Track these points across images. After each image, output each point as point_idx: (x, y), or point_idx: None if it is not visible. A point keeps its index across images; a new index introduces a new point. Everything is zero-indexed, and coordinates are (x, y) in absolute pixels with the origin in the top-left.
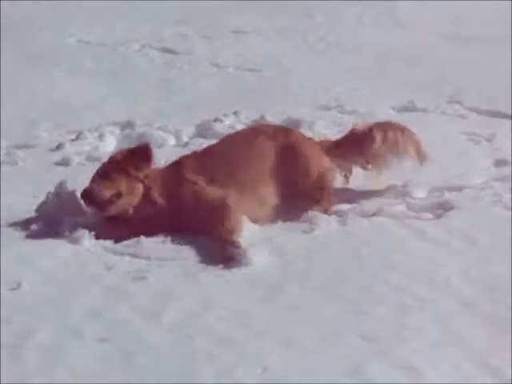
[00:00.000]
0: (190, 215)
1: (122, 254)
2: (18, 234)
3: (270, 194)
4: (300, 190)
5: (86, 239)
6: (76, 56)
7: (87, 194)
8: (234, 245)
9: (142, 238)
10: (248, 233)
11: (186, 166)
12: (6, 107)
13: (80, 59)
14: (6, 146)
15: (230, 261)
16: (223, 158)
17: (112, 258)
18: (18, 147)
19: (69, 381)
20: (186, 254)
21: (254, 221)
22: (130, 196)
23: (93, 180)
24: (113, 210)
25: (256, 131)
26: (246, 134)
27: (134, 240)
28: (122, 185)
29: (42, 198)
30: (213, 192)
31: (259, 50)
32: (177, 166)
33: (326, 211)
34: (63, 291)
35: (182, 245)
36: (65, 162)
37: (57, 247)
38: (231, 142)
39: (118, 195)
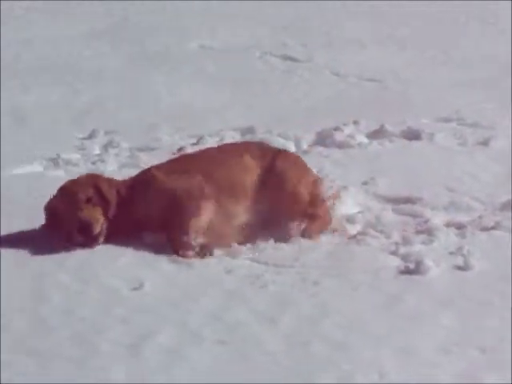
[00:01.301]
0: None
1: (242, 259)
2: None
3: (242, 211)
4: (289, 212)
5: None
6: (198, 61)
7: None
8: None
9: (262, 242)
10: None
11: (156, 167)
12: (128, 109)
13: (202, 64)
14: (129, 147)
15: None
16: (203, 160)
17: (231, 262)
18: (140, 150)
19: (188, 381)
20: (304, 259)
21: (219, 236)
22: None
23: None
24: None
25: (244, 147)
26: (235, 147)
27: (253, 244)
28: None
29: None
30: (183, 180)
31: (379, 59)
32: (147, 169)
33: (326, 226)
34: (184, 294)
35: (300, 250)
36: None
37: None
38: (216, 149)
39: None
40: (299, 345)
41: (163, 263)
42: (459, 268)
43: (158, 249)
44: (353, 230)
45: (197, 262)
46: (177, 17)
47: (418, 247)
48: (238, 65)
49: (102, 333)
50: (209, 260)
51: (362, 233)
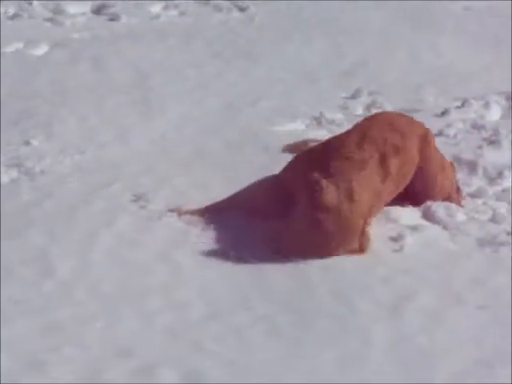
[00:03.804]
0: None
1: None
2: None
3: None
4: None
5: None
6: (461, 21)
7: None
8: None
9: None
10: None
11: None
12: (391, 69)
13: (465, 25)
14: (392, 109)
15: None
16: None
17: None
18: (404, 111)
19: (448, 344)
20: None
21: None
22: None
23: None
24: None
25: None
26: None
27: None
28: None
29: None
30: None
31: None
32: None
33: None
34: (445, 257)
35: None
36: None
37: None
38: None
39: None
40: None
41: (424, 228)
42: None
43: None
44: None
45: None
46: None
47: None
48: (502, 26)
49: (363, 292)
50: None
51: None
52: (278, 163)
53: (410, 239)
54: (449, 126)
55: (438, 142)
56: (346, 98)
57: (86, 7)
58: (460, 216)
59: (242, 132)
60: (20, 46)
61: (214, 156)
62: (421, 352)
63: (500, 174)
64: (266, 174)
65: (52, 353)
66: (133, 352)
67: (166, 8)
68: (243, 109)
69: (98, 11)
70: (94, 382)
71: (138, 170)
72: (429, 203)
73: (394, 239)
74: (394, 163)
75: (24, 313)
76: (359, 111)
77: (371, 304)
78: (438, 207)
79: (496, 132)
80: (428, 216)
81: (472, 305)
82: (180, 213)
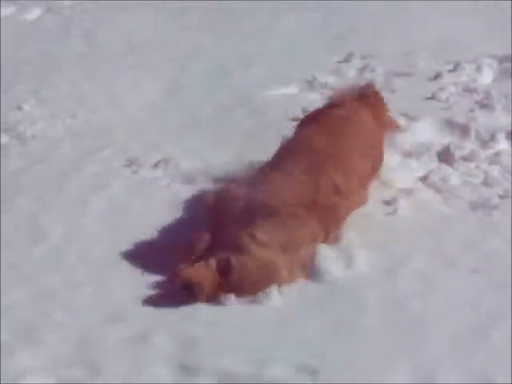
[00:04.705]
0: None
1: None
2: None
3: None
4: None
5: None
6: None
7: None
8: None
9: None
10: None
11: None
12: (384, 34)
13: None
14: (384, 72)
15: None
16: None
17: None
18: (396, 74)
19: (442, 307)
20: None
21: None
22: None
23: None
24: None
25: None
26: None
27: None
28: None
29: None
30: None
31: None
32: None
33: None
34: (440, 220)
35: None
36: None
37: None
38: None
39: None
40: None
41: (417, 191)
42: None
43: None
44: None
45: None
46: None
47: None
48: None
49: (357, 256)
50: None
51: None
52: (269, 127)
53: (403, 202)
54: (441, 89)
55: (431, 106)
56: (339, 62)
57: None
58: (453, 179)
59: (233, 96)
60: (13, 10)
61: (205, 121)
62: (415, 316)
63: (492, 137)
64: (257, 139)
65: (44, 319)
66: (125, 318)
67: None
68: (235, 74)
69: None
70: (86, 348)
71: (130, 135)
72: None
73: (388, 203)
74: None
75: (15, 279)
76: (352, 74)
77: (367, 267)
78: (432, 171)
79: (488, 95)
80: (421, 179)
81: (465, 268)
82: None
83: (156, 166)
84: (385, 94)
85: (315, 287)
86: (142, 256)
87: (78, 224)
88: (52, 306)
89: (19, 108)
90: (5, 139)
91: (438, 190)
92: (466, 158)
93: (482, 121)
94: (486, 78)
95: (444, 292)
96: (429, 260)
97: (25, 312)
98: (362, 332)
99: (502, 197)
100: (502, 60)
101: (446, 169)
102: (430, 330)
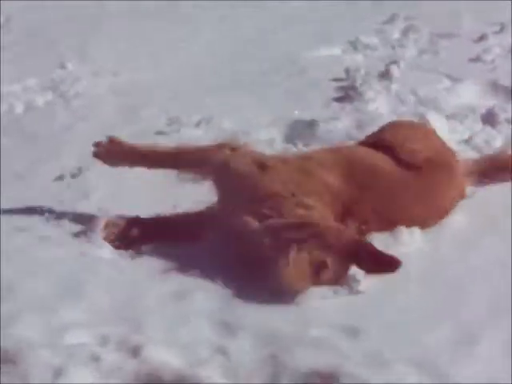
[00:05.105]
0: None
1: None
2: None
3: None
4: None
5: None
6: None
7: None
8: None
9: None
10: None
11: None
12: None
13: None
14: (429, 33)
15: None
16: None
17: None
18: (440, 36)
19: (481, 267)
20: None
21: None
22: None
23: None
24: None
25: None
26: None
27: None
28: None
29: None
30: None
31: None
32: None
33: None
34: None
35: None
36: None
37: None
38: None
39: None
40: None
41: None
42: None
43: None
44: None
45: None
46: None
47: None
48: None
49: None
50: None
51: None
52: (312, 88)
53: None
54: (486, 51)
55: (475, 68)
56: (382, 23)
57: None
58: (497, 142)
59: (276, 57)
60: None
61: (247, 80)
62: (455, 280)
63: None
64: (300, 99)
65: (89, 274)
66: (167, 276)
67: None
68: (278, 34)
69: None
70: (129, 305)
71: (172, 94)
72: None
73: None
74: None
75: (63, 233)
76: (395, 35)
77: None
78: (476, 134)
79: None
80: (465, 141)
81: (505, 230)
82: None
83: (198, 125)
84: (429, 56)
85: None
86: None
87: (122, 183)
88: (97, 262)
89: (62, 66)
90: (49, 97)
91: (481, 152)
92: (510, 120)
93: None
94: None
95: (483, 254)
96: (470, 222)
97: (70, 267)
98: (405, 296)
99: None
100: None
101: (490, 131)
102: (470, 292)
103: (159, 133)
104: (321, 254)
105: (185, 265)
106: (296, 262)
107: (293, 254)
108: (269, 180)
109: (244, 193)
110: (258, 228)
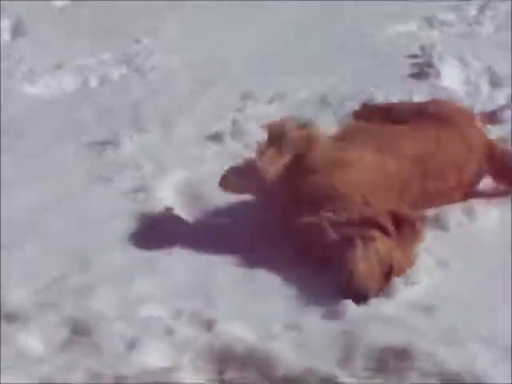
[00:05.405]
0: None
1: None
2: None
3: None
4: None
5: None
6: None
7: None
8: None
9: None
10: None
11: None
12: None
13: None
14: (506, 10)
15: None
16: None
17: None
18: None
19: None
20: None
21: None
22: None
23: None
24: None
25: None
26: None
27: None
28: None
29: None
30: None
31: None
32: None
33: None
34: None
35: None
36: None
37: None
38: None
39: None
40: None
41: None
42: None
43: None
44: None
45: None
46: None
47: None
48: None
49: None
50: None
51: None
52: (387, 65)
53: None
54: None
55: None
56: (459, 0)
57: None
58: None
59: (350, 34)
60: None
61: (321, 57)
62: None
63: None
64: (375, 76)
65: (164, 250)
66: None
67: None
68: (351, 11)
69: None
70: (203, 281)
71: (246, 70)
72: None
73: None
74: None
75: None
76: (472, 12)
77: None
78: None
79: None
80: None
81: None
82: None
83: (271, 101)
84: (505, 33)
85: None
86: None
87: (197, 154)
88: (173, 237)
89: (137, 41)
90: (124, 71)
91: None
92: None
93: None
94: None
95: None
96: None
97: (146, 241)
98: (481, 274)
99: None
100: None
101: None
102: None
103: (232, 108)
104: (387, 252)
105: (259, 247)
106: (364, 260)
107: (359, 251)
108: (341, 181)
109: (314, 190)
110: (321, 223)
